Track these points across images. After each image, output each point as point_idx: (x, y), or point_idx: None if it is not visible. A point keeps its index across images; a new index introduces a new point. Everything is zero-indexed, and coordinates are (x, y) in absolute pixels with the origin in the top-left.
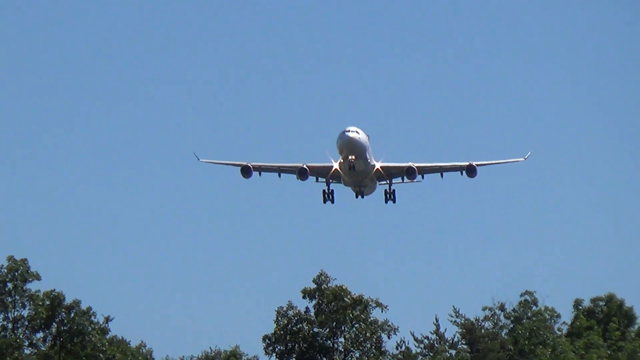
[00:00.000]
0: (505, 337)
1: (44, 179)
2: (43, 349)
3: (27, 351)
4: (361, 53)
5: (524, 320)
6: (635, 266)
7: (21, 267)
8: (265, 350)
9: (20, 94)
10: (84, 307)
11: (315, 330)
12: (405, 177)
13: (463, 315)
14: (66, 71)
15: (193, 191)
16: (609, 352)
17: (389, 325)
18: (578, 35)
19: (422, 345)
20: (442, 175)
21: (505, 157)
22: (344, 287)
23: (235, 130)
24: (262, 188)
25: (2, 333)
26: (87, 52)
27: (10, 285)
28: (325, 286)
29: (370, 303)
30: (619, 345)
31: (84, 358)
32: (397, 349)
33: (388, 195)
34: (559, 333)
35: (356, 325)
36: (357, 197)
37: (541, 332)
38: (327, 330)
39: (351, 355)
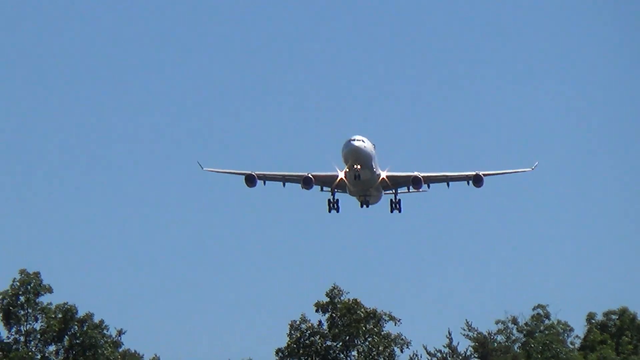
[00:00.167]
0: (518, 350)
1: (55, 193)
2: None
3: None
4: (368, 61)
5: (537, 334)
6: None
7: (34, 281)
8: None
9: (22, 103)
10: (96, 320)
11: (328, 343)
12: (411, 187)
13: (476, 328)
14: (70, 79)
15: (197, 200)
16: None
17: (402, 339)
18: (588, 44)
19: (434, 359)
20: (448, 185)
21: (512, 167)
22: (357, 301)
23: (239, 139)
24: (267, 197)
25: (15, 346)
26: (91, 60)
27: (22, 298)
28: (338, 299)
29: (383, 317)
30: (631, 359)
31: None
32: None
33: (394, 205)
34: (572, 347)
35: (369, 339)
36: (362, 206)
37: (554, 346)
38: (340, 343)
39: None
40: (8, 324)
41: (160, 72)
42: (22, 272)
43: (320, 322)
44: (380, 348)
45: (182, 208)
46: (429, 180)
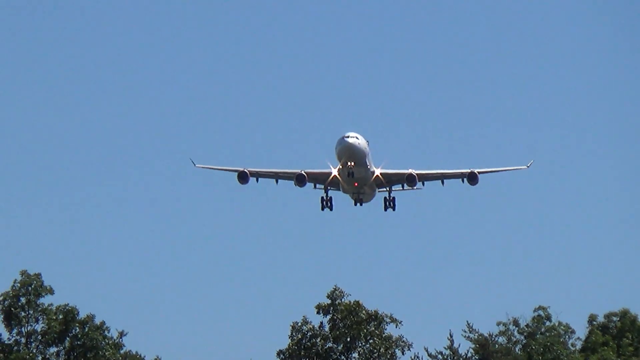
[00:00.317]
0: (519, 352)
1: (55, 194)
2: None
3: None
4: (361, 57)
5: (538, 336)
6: None
7: (34, 282)
8: None
9: (22, 104)
10: (97, 321)
11: (329, 345)
12: (405, 184)
13: (477, 330)
14: (61, 76)
15: (189, 197)
16: None
17: (403, 341)
18: (582, 42)
19: None
20: (443, 183)
21: (507, 165)
22: (359, 303)
23: (232, 135)
24: (259, 195)
25: (16, 348)
26: (82, 57)
27: (23, 299)
28: (340, 301)
29: (384, 318)
30: None
31: None
32: None
33: (388, 203)
34: (573, 349)
35: (370, 341)
36: (356, 204)
37: (555, 348)
38: (342, 345)
39: None
40: (9, 325)
41: (153, 68)
42: (23, 273)
43: (321, 323)
44: (381, 350)
45: (173, 205)
46: (424, 177)
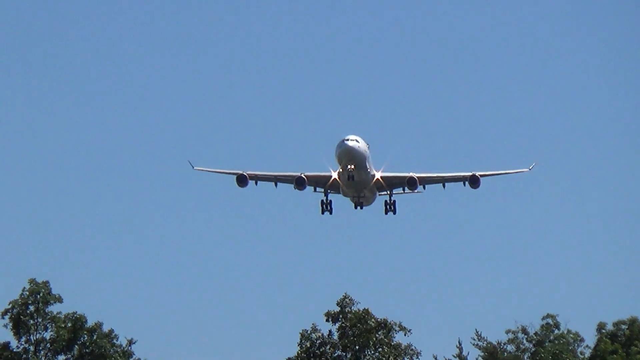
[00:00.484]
0: None
1: (62, 203)
2: None
3: None
4: (362, 59)
5: (547, 344)
6: None
7: (43, 290)
8: None
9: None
10: (106, 329)
11: (338, 353)
12: (406, 188)
13: (485, 338)
14: (59, 77)
15: (188, 201)
16: None
17: (412, 349)
18: (584, 45)
19: None
20: (444, 186)
21: (509, 168)
22: (368, 311)
23: (231, 138)
24: (258, 198)
25: (24, 356)
26: (82, 60)
27: (32, 307)
28: (349, 309)
29: (394, 327)
30: None
31: None
32: None
33: (388, 206)
34: (582, 357)
35: (379, 349)
36: (356, 207)
37: (564, 356)
38: (351, 354)
39: None
40: (18, 334)
41: (152, 70)
42: (31, 281)
43: (330, 332)
44: (390, 358)
45: (172, 209)
46: (425, 181)
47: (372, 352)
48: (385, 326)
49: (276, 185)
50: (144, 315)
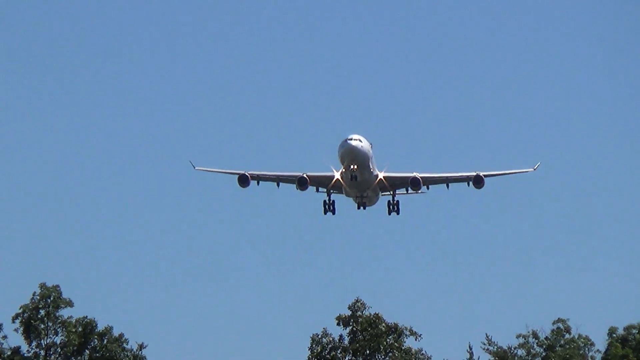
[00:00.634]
0: None
1: (73, 207)
2: None
3: None
4: (365, 59)
5: (558, 348)
6: None
7: (53, 294)
8: None
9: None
10: (116, 333)
11: (349, 358)
12: (409, 188)
13: (496, 343)
14: (60, 78)
15: (189, 201)
16: None
17: (422, 354)
18: (591, 44)
19: None
20: (447, 186)
21: (514, 168)
22: (379, 315)
23: (232, 138)
24: (260, 198)
25: None
26: (83, 60)
27: (42, 312)
28: (360, 313)
29: (404, 331)
30: None
31: None
32: None
33: (391, 207)
34: None
35: (390, 354)
36: (359, 208)
37: None
38: (361, 358)
39: None
40: (28, 338)
41: (153, 70)
42: (42, 285)
43: (341, 336)
44: None
45: (173, 209)
46: (428, 181)
47: (383, 356)
48: (395, 331)
49: (278, 185)
50: (154, 320)
